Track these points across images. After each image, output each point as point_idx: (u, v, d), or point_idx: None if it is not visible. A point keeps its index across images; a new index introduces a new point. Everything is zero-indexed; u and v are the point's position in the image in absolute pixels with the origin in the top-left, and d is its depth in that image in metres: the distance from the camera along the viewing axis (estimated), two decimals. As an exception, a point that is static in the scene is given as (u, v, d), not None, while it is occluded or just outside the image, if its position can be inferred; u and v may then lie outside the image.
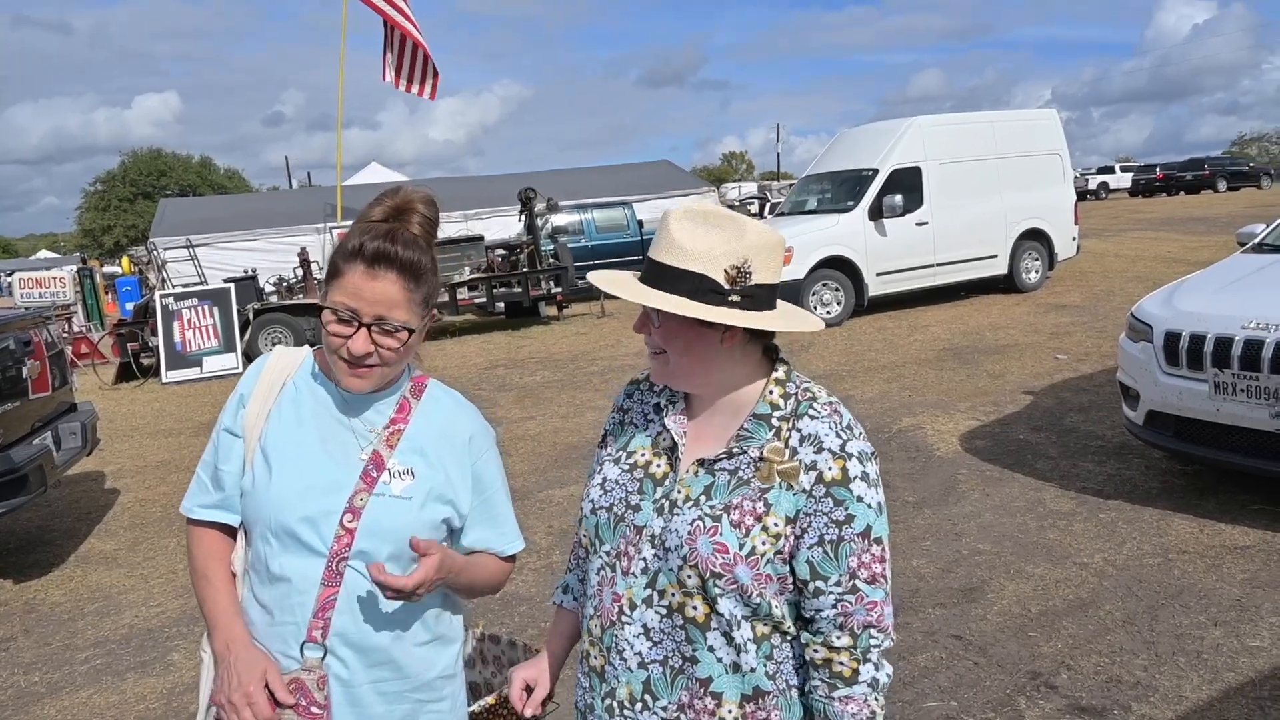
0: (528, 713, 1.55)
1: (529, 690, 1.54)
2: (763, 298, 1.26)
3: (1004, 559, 4.09)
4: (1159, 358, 4.62)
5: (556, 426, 7.21)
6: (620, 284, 1.29)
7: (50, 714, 3.47)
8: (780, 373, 1.32)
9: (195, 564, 1.49)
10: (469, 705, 1.61)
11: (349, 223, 1.48)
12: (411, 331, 1.43)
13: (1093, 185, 41.04)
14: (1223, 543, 4.05)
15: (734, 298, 1.23)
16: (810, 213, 11.93)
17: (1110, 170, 44.78)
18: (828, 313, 10.88)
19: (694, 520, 1.25)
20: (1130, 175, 41.26)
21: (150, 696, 3.52)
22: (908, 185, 11.40)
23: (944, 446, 5.83)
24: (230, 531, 1.51)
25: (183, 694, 3.50)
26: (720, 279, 1.22)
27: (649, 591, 1.28)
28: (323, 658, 1.41)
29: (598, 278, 1.32)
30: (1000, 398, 6.91)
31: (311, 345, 1.60)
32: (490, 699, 1.65)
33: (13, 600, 4.65)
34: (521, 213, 14.01)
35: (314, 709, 1.40)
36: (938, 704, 3.01)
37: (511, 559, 1.63)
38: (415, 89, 15.65)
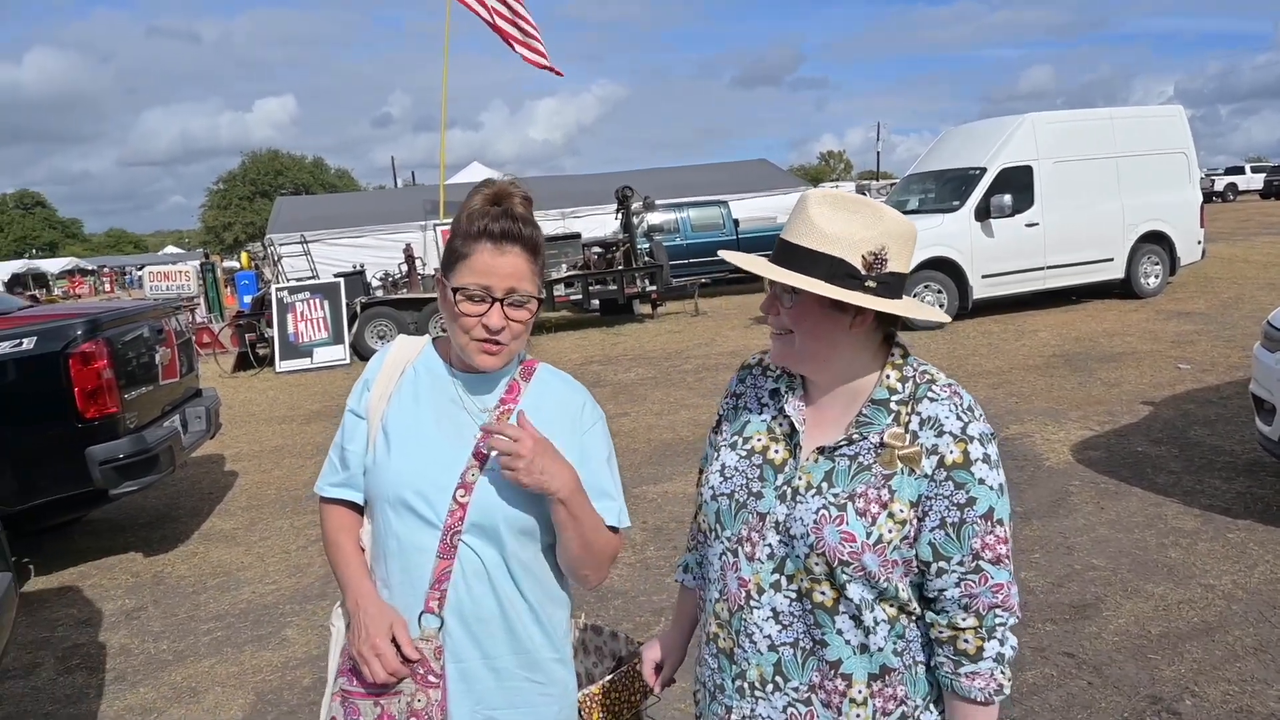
0: (658, 689, 1.58)
1: (658, 669, 1.61)
2: (895, 286, 1.26)
3: (1120, 576, 3.89)
4: (1299, 369, 4.31)
5: (650, 423, 7.24)
6: (754, 262, 1.31)
7: (176, 680, 3.69)
8: (897, 357, 1.32)
9: (327, 536, 1.59)
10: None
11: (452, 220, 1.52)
12: (541, 301, 1.52)
13: (1220, 186, 38.69)
14: (1369, 570, 3.75)
15: (870, 284, 1.23)
16: (913, 212, 11.62)
17: (1239, 171, 42.11)
18: None
19: (819, 509, 1.25)
20: (1262, 176, 38.67)
21: (266, 669, 3.71)
22: (1018, 184, 10.98)
23: (1054, 456, 5.59)
24: (358, 509, 1.59)
25: (296, 668, 3.67)
26: (857, 264, 1.23)
27: (776, 576, 1.30)
28: (439, 628, 1.46)
29: (730, 255, 1.35)
30: (1116, 407, 6.57)
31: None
32: (594, 688, 1.67)
33: (143, 572, 4.96)
34: (618, 211, 14.13)
35: (431, 677, 1.46)
36: (1048, 723, 2.88)
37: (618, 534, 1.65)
38: (544, 64, 16.02)
